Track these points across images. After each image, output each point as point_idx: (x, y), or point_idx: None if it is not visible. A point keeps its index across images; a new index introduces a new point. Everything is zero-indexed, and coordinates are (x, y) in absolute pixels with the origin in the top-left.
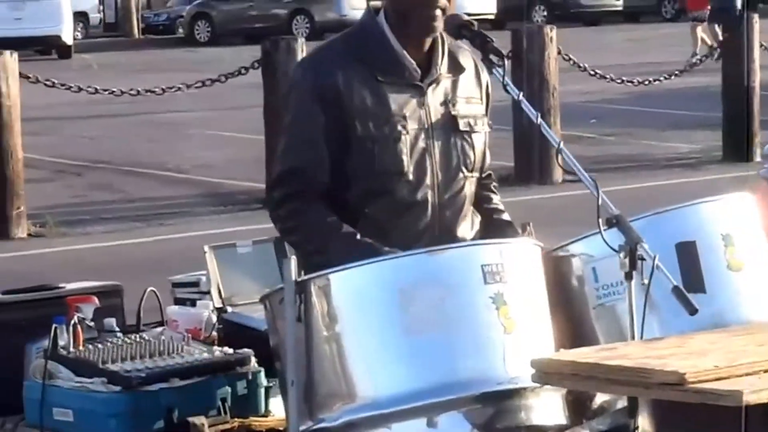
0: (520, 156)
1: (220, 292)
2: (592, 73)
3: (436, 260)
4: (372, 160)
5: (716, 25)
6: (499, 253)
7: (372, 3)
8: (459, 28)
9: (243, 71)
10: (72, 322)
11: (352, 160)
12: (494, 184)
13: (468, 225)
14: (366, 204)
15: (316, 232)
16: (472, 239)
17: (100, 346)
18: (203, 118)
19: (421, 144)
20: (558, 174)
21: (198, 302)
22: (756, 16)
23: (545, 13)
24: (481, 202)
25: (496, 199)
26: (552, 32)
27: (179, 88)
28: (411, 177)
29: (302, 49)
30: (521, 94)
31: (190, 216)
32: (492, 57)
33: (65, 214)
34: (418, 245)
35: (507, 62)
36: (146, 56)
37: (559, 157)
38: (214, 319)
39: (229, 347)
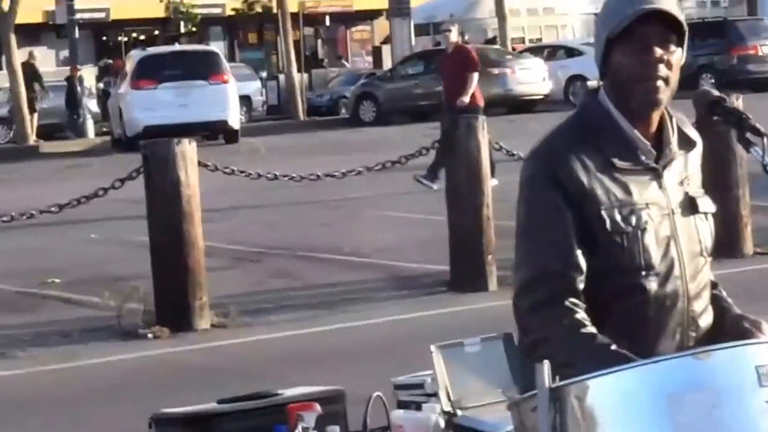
0: None
1: (448, 394)
2: None
3: (705, 362)
4: (622, 255)
5: None
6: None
7: (590, 83)
8: (711, 104)
9: (424, 152)
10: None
11: (600, 256)
12: None
13: (710, 317)
14: (614, 302)
15: (567, 344)
16: (711, 334)
17: None
18: (377, 199)
19: (665, 232)
20: (749, 246)
21: (424, 405)
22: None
23: (713, 80)
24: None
25: (720, 286)
26: (738, 100)
27: (359, 172)
28: (660, 269)
29: (483, 126)
30: None
31: (373, 302)
32: (749, 135)
33: (247, 303)
34: (671, 344)
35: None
36: (312, 138)
37: None
38: (442, 424)
39: None
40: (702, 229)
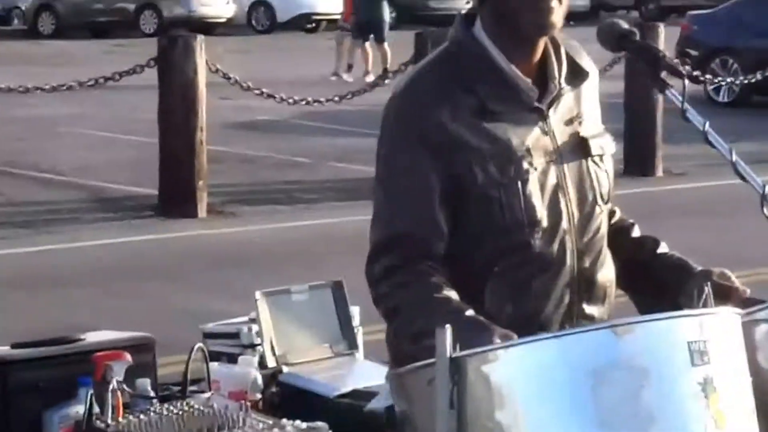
0: None
1: (273, 348)
2: None
3: (632, 336)
4: (500, 211)
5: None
6: (700, 326)
7: (463, 10)
8: (618, 39)
9: (138, 69)
10: (111, 386)
11: (474, 214)
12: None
13: (609, 270)
14: (494, 264)
15: (420, 310)
16: (615, 289)
17: (142, 417)
18: (76, 117)
19: (552, 180)
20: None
21: (240, 358)
22: (662, 26)
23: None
24: (618, 235)
25: (637, 229)
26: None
27: (71, 86)
28: (545, 223)
29: (201, 46)
30: (707, 123)
31: (78, 223)
32: (665, 75)
33: None
34: (558, 306)
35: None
36: None
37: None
38: (260, 379)
39: (287, 416)
40: (596, 173)
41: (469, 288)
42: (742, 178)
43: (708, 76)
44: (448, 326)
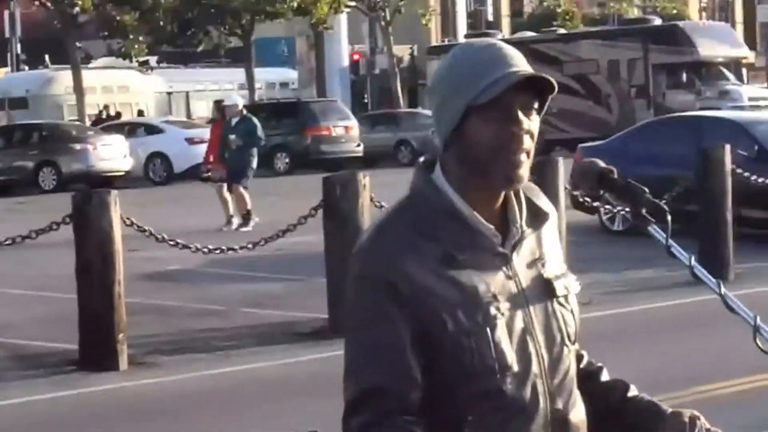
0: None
1: None
2: None
3: None
4: (471, 358)
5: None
6: None
7: (421, 159)
8: (599, 178)
9: (55, 226)
10: None
11: (446, 363)
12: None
13: (580, 410)
14: (469, 411)
15: None
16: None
17: None
18: None
19: (519, 324)
20: None
21: None
22: (560, 159)
23: (287, 160)
24: (587, 380)
25: (606, 372)
26: (365, 179)
27: None
28: (516, 368)
29: (116, 201)
30: (692, 258)
31: (1, 381)
32: (646, 214)
33: None
34: None
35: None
36: None
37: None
38: None
39: None
40: (562, 314)
41: None
42: (731, 310)
43: (607, 207)
44: None
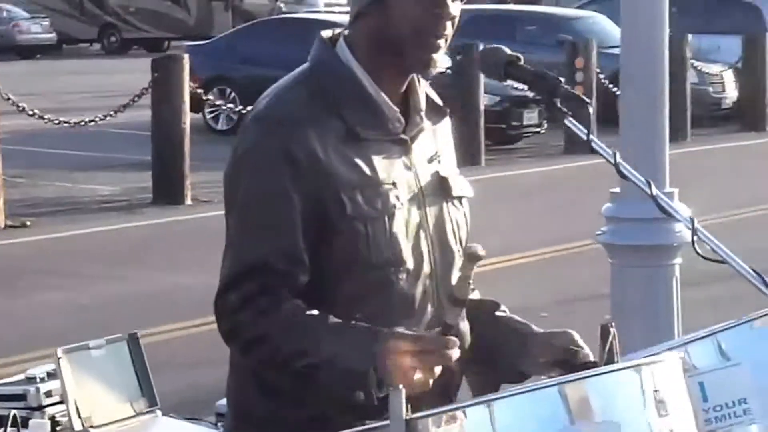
0: None
1: (78, 411)
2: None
3: (604, 384)
4: (366, 247)
5: None
6: (652, 375)
7: (324, 33)
8: (506, 66)
9: None
10: None
11: (337, 249)
12: None
13: (466, 324)
14: (356, 307)
15: (293, 330)
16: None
17: None
18: None
19: (415, 219)
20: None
21: (31, 422)
22: (186, 57)
23: None
24: (483, 305)
25: (477, 292)
26: None
27: None
28: (410, 264)
29: None
30: (617, 154)
31: None
32: (560, 105)
33: None
34: None
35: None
36: None
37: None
38: None
39: None
40: (456, 217)
41: None
42: (664, 211)
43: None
44: (401, 386)
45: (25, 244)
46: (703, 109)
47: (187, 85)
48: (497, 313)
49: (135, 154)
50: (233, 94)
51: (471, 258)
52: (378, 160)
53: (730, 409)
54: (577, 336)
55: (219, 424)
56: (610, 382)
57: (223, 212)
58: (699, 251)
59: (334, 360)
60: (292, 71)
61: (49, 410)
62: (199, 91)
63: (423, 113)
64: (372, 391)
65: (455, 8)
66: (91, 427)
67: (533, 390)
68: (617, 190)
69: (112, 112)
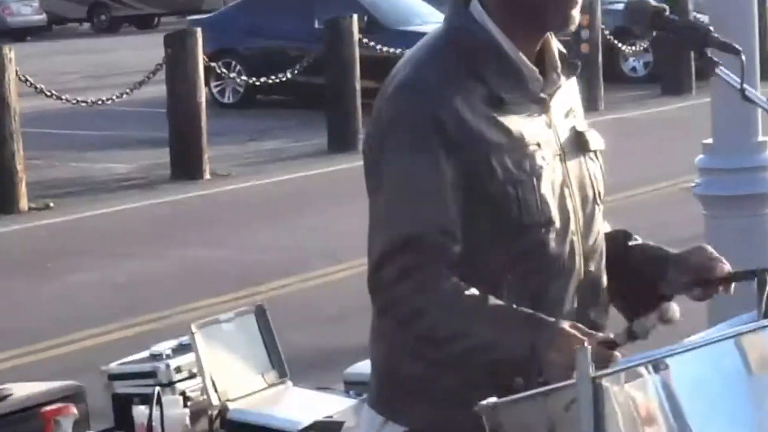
0: None
1: (215, 385)
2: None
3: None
4: (517, 210)
5: None
6: None
7: None
8: (653, 17)
9: None
10: None
11: (488, 214)
12: None
13: (605, 277)
14: (509, 269)
15: (451, 311)
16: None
17: None
18: None
19: (559, 177)
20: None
21: (164, 399)
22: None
23: None
24: (616, 238)
25: (607, 224)
26: (11, 53)
27: None
28: (558, 223)
29: None
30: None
31: None
32: (711, 55)
33: None
34: (570, 313)
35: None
36: None
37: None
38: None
39: None
40: (593, 170)
41: None
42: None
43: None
44: (587, 344)
45: (50, 226)
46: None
47: (201, 60)
48: (630, 243)
49: (146, 131)
50: (238, 67)
51: (666, 321)
52: (521, 122)
53: None
54: (711, 249)
55: (351, 392)
56: None
57: (243, 185)
58: None
59: (492, 346)
60: (295, 42)
61: (179, 386)
62: (213, 64)
63: (559, 70)
64: (532, 377)
65: None
66: (228, 400)
67: (711, 343)
68: (709, 141)
69: (128, 90)
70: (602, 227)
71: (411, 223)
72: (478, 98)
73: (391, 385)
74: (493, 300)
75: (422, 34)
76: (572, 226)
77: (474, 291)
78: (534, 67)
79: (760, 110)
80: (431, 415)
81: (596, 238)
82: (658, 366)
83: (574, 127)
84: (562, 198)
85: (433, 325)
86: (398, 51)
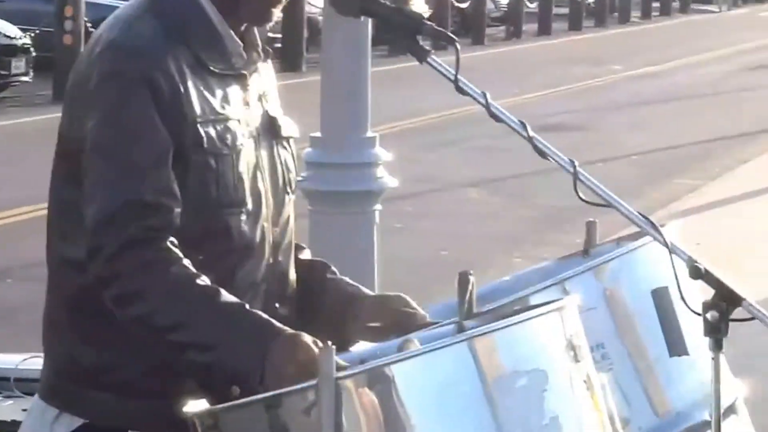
0: None
1: None
2: None
3: (524, 332)
4: (215, 184)
5: None
6: (561, 320)
7: None
8: (362, 3)
9: None
10: None
11: (191, 185)
12: None
13: (294, 271)
14: (200, 249)
15: (177, 299)
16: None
17: None
18: None
19: (252, 159)
20: None
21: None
22: None
23: None
24: (314, 269)
25: (307, 251)
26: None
27: None
28: (250, 206)
29: None
30: (487, 95)
31: None
32: (423, 44)
33: None
34: (257, 302)
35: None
36: None
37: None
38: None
39: None
40: (285, 157)
41: None
42: (542, 154)
43: None
44: (330, 343)
45: None
46: None
47: None
48: (328, 276)
49: None
50: None
51: None
52: (225, 95)
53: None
54: (409, 299)
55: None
56: (529, 331)
57: None
58: (582, 196)
59: (211, 348)
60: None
61: None
62: None
63: (260, 49)
64: (254, 387)
65: None
66: None
67: (442, 348)
68: (318, 134)
69: None
70: (292, 218)
71: (136, 187)
72: (186, 64)
73: (69, 375)
74: (225, 296)
75: None
76: (264, 212)
77: (206, 281)
78: (239, 42)
79: (369, 105)
80: (110, 404)
81: (285, 228)
82: (398, 367)
83: (266, 111)
84: (254, 181)
85: (153, 311)
86: None
